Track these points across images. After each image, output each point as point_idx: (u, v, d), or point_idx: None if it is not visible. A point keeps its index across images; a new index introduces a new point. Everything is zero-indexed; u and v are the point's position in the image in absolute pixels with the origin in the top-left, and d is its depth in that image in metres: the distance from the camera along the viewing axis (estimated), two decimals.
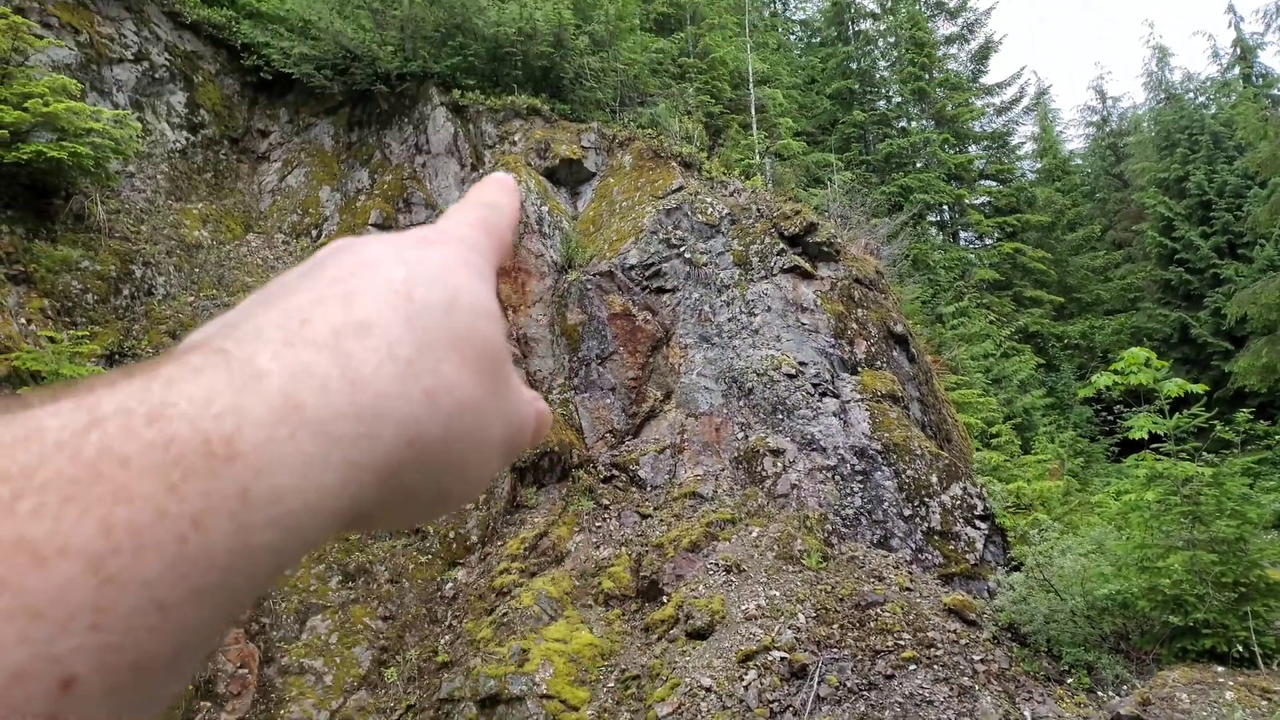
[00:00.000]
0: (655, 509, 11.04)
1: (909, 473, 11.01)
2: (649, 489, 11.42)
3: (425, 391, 0.41)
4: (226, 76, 16.08)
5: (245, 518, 0.34)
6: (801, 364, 11.97)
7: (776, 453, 11.24)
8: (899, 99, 35.04)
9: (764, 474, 11.13)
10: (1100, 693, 8.22)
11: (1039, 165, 40.25)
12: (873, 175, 30.97)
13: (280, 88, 16.40)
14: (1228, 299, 25.66)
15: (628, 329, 12.59)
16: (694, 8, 24.04)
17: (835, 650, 8.38)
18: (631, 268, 13.07)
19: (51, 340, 9.95)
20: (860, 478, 11.02)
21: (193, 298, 12.14)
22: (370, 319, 0.41)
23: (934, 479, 10.97)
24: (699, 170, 14.93)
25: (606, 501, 11.27)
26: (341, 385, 0.38)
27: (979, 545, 10.56)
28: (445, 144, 15.31)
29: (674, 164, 14.82)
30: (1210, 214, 30.67)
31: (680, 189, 14.10)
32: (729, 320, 12.56)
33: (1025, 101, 39.17)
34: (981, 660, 8.37)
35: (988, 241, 34.19)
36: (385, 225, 14.31)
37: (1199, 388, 9.07)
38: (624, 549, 10.49)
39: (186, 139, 14.81)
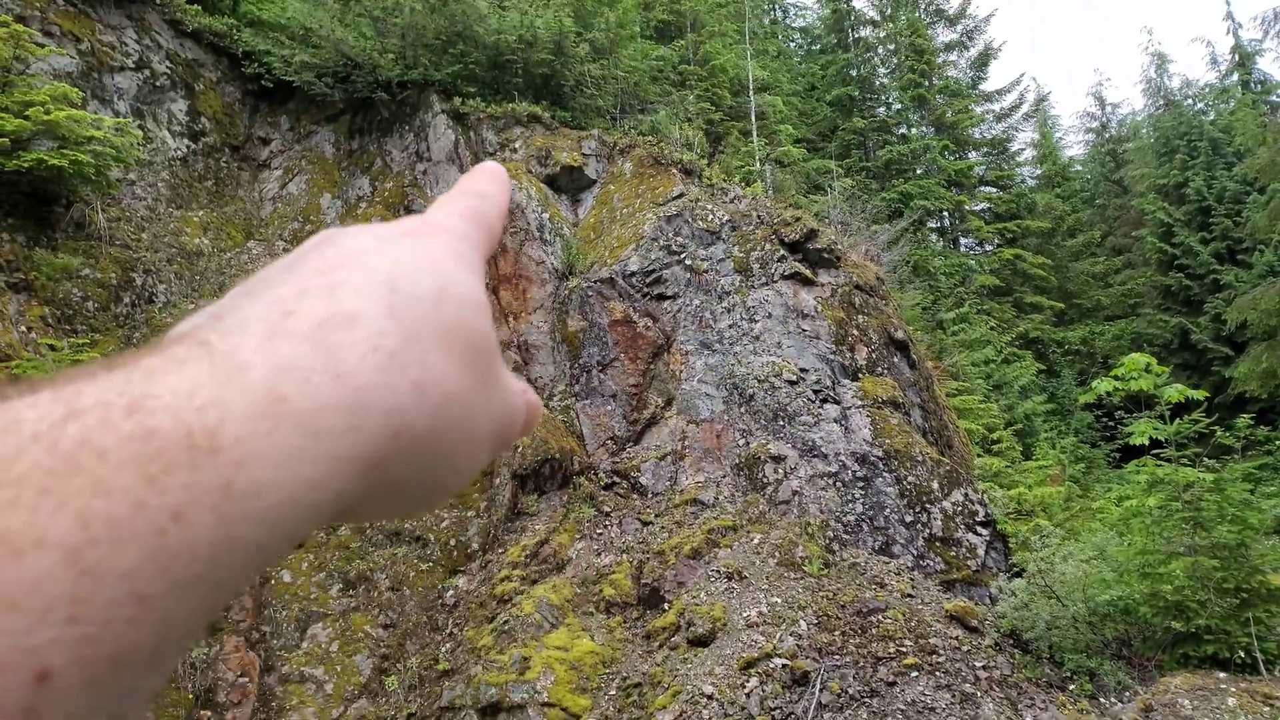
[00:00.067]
0: (656, 516, 11.03)
1: (910, 479, 11.00)
2: (650, 496, 11.41)
3: (411, 383, 0.41)
4: (227, 84, 16.12)
5: (227, 511, 0.33)
6: (802, 370, 11.97)
7: (778, 459, 11.23)
8: (899, 106, 35.08)
9: (765, 481, 11.13)
10: (1102, 699, 8.21)
11: (1039, 171, 40.30)
12: (873, 182, 30.98)
13: (281, 95, 16.43)
14: (1228, 304, 25.65)
15: (629, 336, 12.60)
16: (694, 15, 24.08)
17: (837, 657, 8.37)
18: (632, 274, 13.08)
19: (52, 348, 9.96)
20: (862, 484, 11.01)
21: (193, 305, 12.14)
22: (355, 311, 0.41)
23: (935, 485, 10.96)
24: (699, 177, 14.94)
25: (608, 508, 11.25)
26: (325, 378, 0.38)
27: (980, 551, 10.55)
28: (446, 151, 15.33)
29: (674, 171, 14.83)
30: (1210, 220, 30.67)
31: (681, 196, 14.12)
32: (730, 327, 12.56)
33: (1025, 108, 39.27)
34: (983, 667, 8.36)
35: (988, 248, 34.21)
36: None
37: (1199, 393, 9.07)
38: (625, 556, 10.48)
39: (187, 147, 14.84)
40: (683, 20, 24.00)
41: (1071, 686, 8.40)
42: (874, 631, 8.68)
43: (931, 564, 10.38)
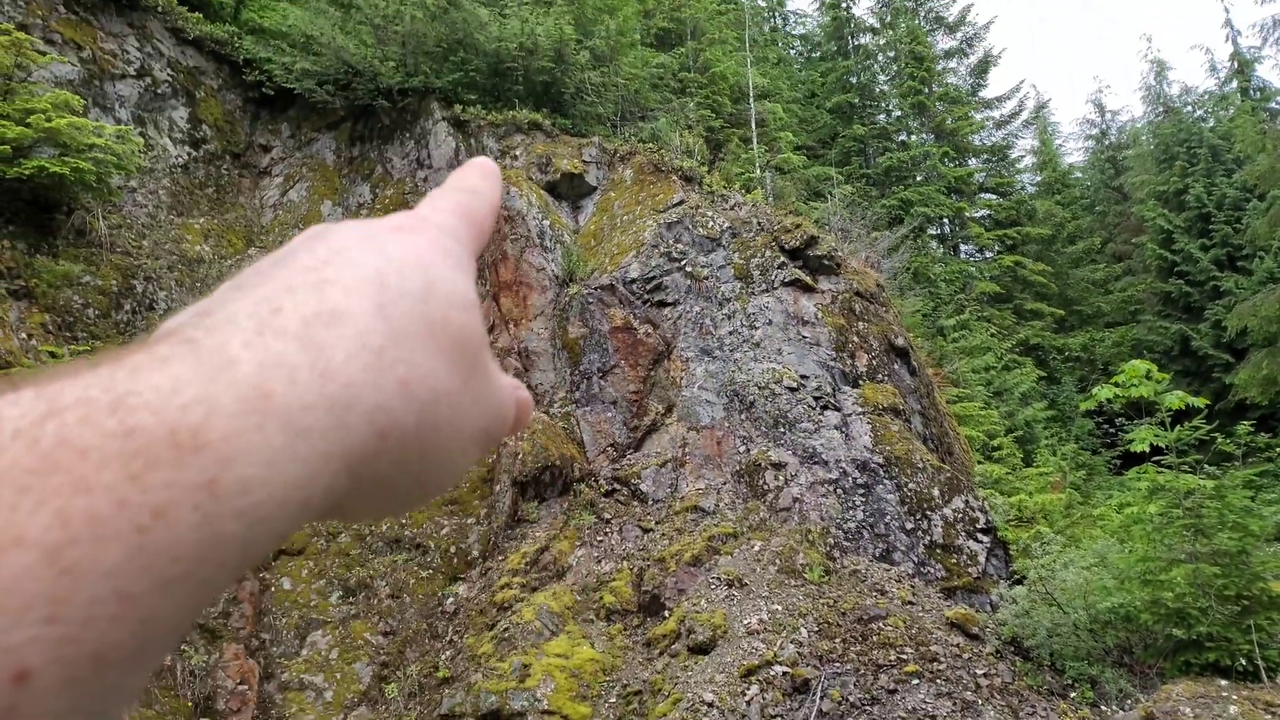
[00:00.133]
0: (657, 523, 11.02)
1: (911, 486, 10.99)
2: (650, 503, 11.40)
3: (398, 381, 0.41)
4: (228, 92, 16.15)
5: (211, 508, 0.33)
6: (803, 377, 11.97)
7: (778, 466, 11.22)
8: (899, 113, 35.14)
9: (766, 487, 11.12)
10: (1104, 707, 8.19)
11: (1039, 178, 40.35)
12: (873, 189, 31.03)
13: (282, 103, 16.47)
14: (1228, 311, 25.66)
15: (629, 342, 12.60)
16: (694, 23, 24.15)
17: (838, 665, 8.35)
18: (633, 281, 13.09)
19: (53, 355, 9.96)
20: (862, 491, 10.99)
21: None
22: (342, 308, 0.40)
23: (936, 492, 10.95)
24: (700, 184, 14.95)
25: (608, 515, 11.24)
26: (311, 375, 0.38)
27: (981, 559, 10.53)
28: (447, 158, 15.35)
29: (675, 178, 14.85)
30: (1210, 227, 30.69)
31: (681, 203, 14.13)
32: (730, 333, 12.56)
33: (1024, 115, 39.32)
34: (984, 674, 8.34)
35: (988, 254, 34.20)
36: None
37: (1200, 400, 9.08)
38: (625, 563, 10.47)
39: (188, 154, 14.87)
40: (683, 28, 24.07)
41: (1073, 694, 8.38)
42: (875, 639, 8.66)
43: (932, 571, 10.37)
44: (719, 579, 9.66)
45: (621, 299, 12.90)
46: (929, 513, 10.81)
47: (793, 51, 40.74)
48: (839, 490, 11.00)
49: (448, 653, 9.72)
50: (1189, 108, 38.51)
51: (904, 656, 8.40)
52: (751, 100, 23.23)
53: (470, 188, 0.56)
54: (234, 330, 0.38)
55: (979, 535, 10.70)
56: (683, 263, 13.17)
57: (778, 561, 9.88)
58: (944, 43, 38.41)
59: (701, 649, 8.73)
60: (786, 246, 13.19)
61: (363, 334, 0.40)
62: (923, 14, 38.16)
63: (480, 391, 0.47)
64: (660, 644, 9.11)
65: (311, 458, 0.37)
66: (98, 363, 0.35)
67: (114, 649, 0.31)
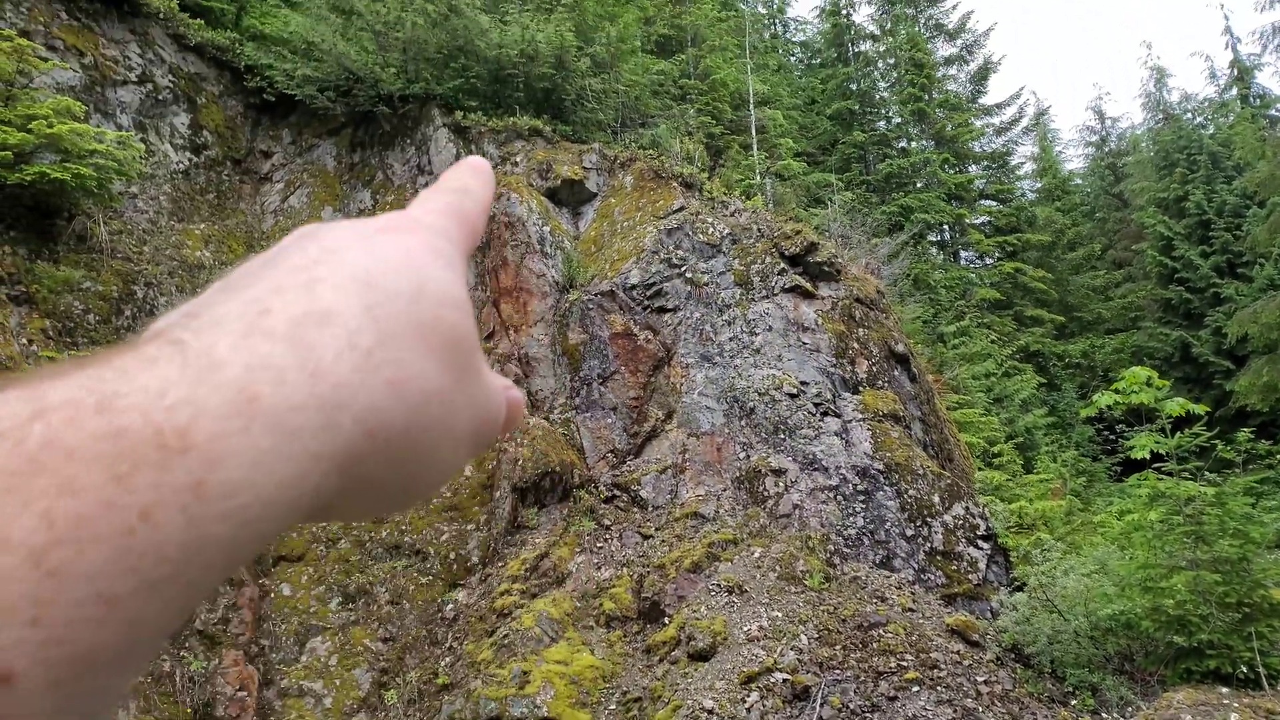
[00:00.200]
0: (657, 529, 11.01)
1: (911, 493, 10.99)
2: (650, 509, 11.39)
3: (388, 382, 0.40)
4: (229, 98, 16.18)
5: (198, 510, 0.33)
6: (803, 383, 11.97)
7: (778, 472, 11.22)
8: (899, 119, 35.16)
9: (766, 494, 11.11)
10: (1105, 714, 8.17)
11: (1039, 185, 40.34)
12: (873, 195, 31.03)
13: (283, 109, 16.49)
14: (1228, 318, 25.64)
15: (629, 348, 12.60)
16: (695, 30, 24.17)
17: (838, 671, 8.33)
18: (633, 287, 13.09)
19: (53, 361, 9.95)
20: (862, 498, 10.99)
21: None
22: (331, 308, 0.40)
23: (936, 499, 10.94)
24: (700, 190, 14.96)
25: (608, 522, 11.23)
26: (299, 376, 0.37)
27: (982, 565, 10.52)
28: (447, 165, 14.93)
29: (675, 184, 14.86)
30: (1210, 233, 30.70)
31: (681, 209, 14.14)
32: (730, 340, 12.57)
33: (1025, 122, 39.35)
34: (985, 681, 8.33)
35: (988, 261, 34.22)
36: None
37: (1200, 407, 9.07)
38: (625, 570, 10.46)
39: (189, 160, 14.88)
40: (683, 35, 24.09)
41: (1074, 702, 8.37)
42: (875, 646, 8.65)
43: (932, 578, 10.36)
44: (719, 585, 9.65)
45: (622, 305, 12.90)
46: (929, 519, 10.80)
47: (793, 58, 40.79)
48: (839, 497, 10.99)
49: (447, 659, 9.71)
50: (1189, 114, 38.56)
51: (904, 663, 8.39)
52: (752, 107, 23.25)
53: (461, 187, 0.56)
54: (221, 332, 0.38)
55: (979, 542, 10.69)
56: (683, 269, 13.18)
57: (778, 568, 9.87)
58: (944, 49, 38.46)
59: (701, 656, 8.72)
60: (787, 253, 13.19)
61: (352, 334, 0.40)
62: (923, 21, 38.20)
63: (471, 392, 0.47)
64: (660, 650, 9.10)
65: (300, 458, 0.37)
66: (85, 364, 0.35)
67: (100, 651, 0.31)
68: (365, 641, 10.23)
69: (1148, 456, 9.34)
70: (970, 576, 10.39)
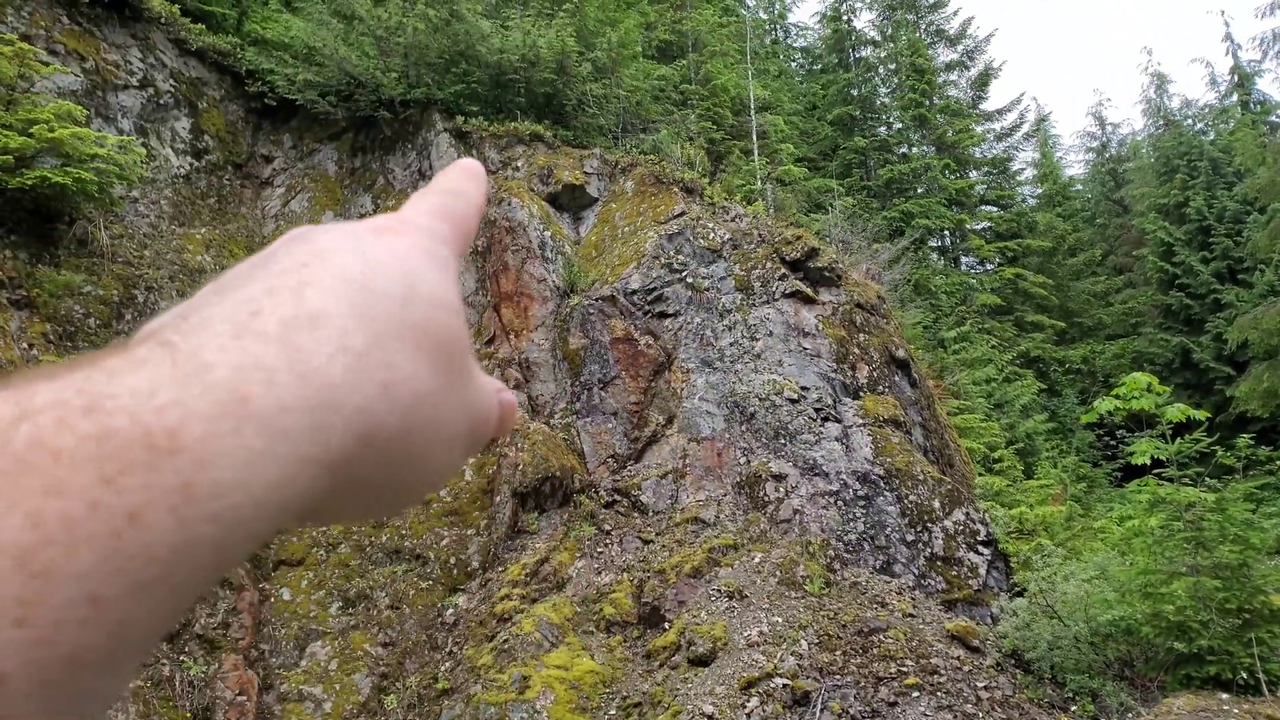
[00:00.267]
0: (657, 534, 11.00)
1: (912, 498, 10.98)
2: (651, 514, 11.38)
3: (380, 384, 0.40)
4: (231, 103, 16.20)
5: (187, 512, 0.33)
6: (803, 389, 11.97)
7: (779, 478, 11.22)
8: (900, 125, 35.19)
9: (766, 499, 11.11)
10: None
11: (1039, 191, 40.36)
12: (874, 200, 31.04)
13: (284, 114, 16.51)
14: (1229, 324, 25.66)
15: (630, 353, 12.61)
16: (696, 35, 24.21)
17: (838, 677, 8.33)
18: (633, 292, 13.10)
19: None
20: (863, 503, 10.99)
21: None
22: (322, 310, 0.40)
23: (937, 504, 10.94)
24: (701, 196, 14.98)
25: (608, 527, 11.23)
26: (289, 378, 0.37)
27: (982, 571, 10.52)
28: None
29: (676, 190, 14.87)
30: (1210, 239, 30.71)
31: (682, 214, 14.15)
32: (731, 345, 12.57)
33: (1025, 127, 39.37)
34: (985, 687, 8.32)
35: (989, 266, 34.21)
36: None
37: (1201, 413, 9.08)
38: (626, 575, 10.45)
39: (190, 164, 14.90)
40: (684, 40, 24.12)
41: (1074, 707, 8.36)
42: (875, 651, 8.64)
43: (933, 583, 10.35)
44: (719, 591, 9.65)
45: (622, 310, 12.91)
46: (930, 525, 10.79)
47: (794, 64, 40.85)
48: (840, 502, 10.99)
49: (447, 664, 9.70)
50: (1189, 121, 38.64)
51: (904, 669, 8.38)
52: (753, 112, 23.28)
53: (453, 189, 0.55)
54: (211, 333, 0.38)
55: (980, 547, 10.69)
56: (684, 274, 13.18)
57: (778, 573, 9.86)
58: (945, 55, 38.49)
59: (702, 661, 8.71)
60: (787, 258, 13.20)
61: (343, 336, 0.40)
62: (924, 27, 38.25)
63: (463, 394, 0.47)
64: (660, 656, 9.09)
65: (291, 460, 0.37)
66: (74, 366, 0.35)
67: (88, 652, 0.31)
68: (365, 646, 10.22)
69: (1148, 462, 9.34)
70: (970, 582, 10.38)
